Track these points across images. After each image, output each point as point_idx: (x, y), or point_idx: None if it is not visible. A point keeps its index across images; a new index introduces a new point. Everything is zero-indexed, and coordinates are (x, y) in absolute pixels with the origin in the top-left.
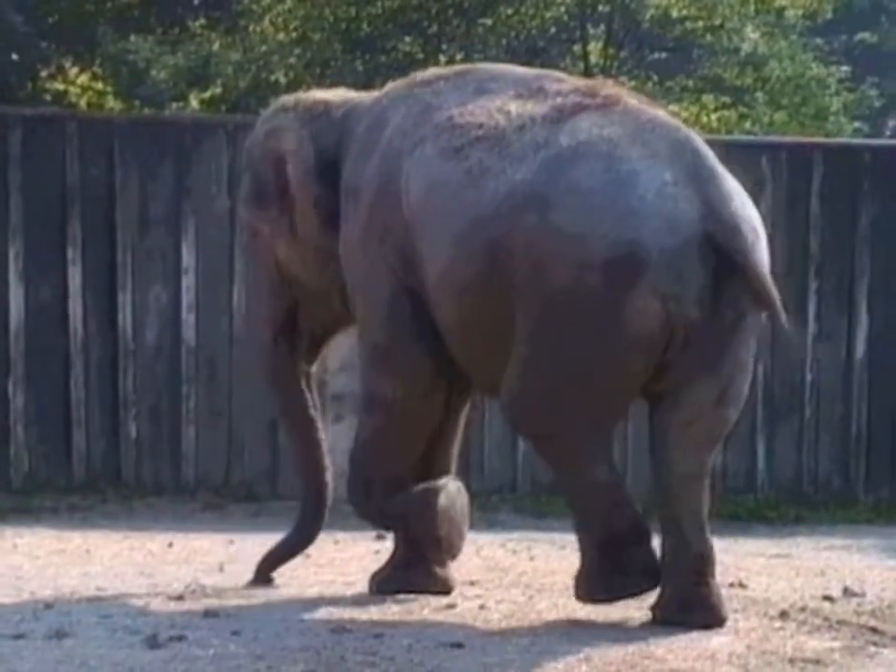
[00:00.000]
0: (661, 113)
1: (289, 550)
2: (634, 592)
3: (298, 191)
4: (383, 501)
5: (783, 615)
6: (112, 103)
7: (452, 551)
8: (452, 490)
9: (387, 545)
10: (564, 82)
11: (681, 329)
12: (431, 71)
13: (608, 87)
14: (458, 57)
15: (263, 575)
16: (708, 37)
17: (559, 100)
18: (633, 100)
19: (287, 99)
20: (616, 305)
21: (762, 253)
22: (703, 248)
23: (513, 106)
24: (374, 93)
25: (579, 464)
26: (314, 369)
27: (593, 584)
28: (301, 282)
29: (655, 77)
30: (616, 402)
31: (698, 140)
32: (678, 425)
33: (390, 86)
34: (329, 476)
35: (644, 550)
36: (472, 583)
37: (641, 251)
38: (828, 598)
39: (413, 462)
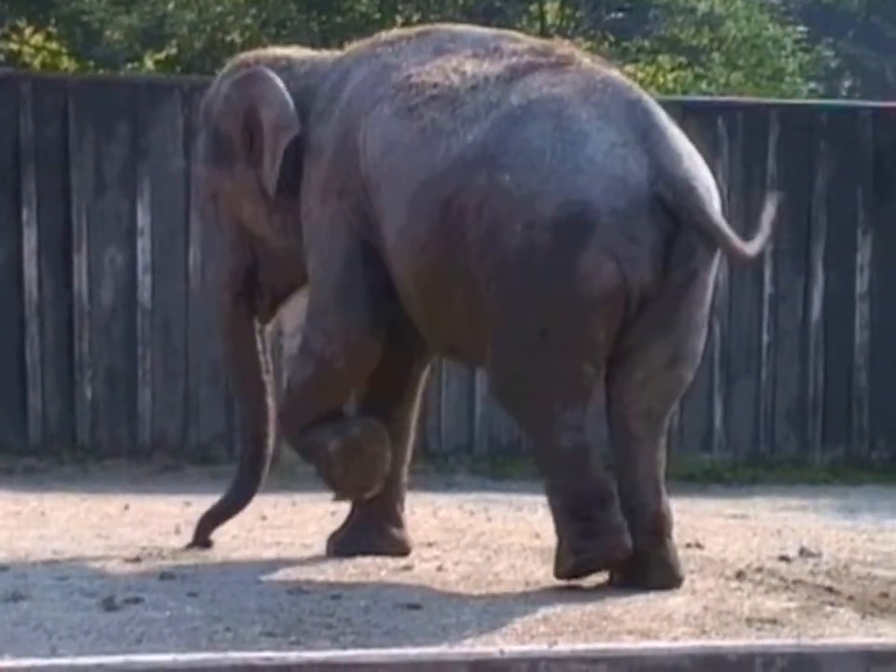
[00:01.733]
0: (614, 73)
1: (229, 508)
2: (602, 556)
3: (272, 135)
4: (308, 432)
5: (740, 575)
6: (66, 63)
7: (357, 492)
8: (359, 433)
9: (344, 507)
10: (520, 42)
11: (637, 291)
12: (395, 32)
13: (563, 47)
14: (415, 18)
15: (203, 535)
16: None
17: (513, 59)
18: (587, 60)
19: (248, 55)
20: (568, 266)
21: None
22: (653, 209)
23: (469, 66)
24: (337, 52)
25: (545, 431)
26: (269, 328)
27: (564, 557)
28: (265, 240)
29: (611, 38)
30: (580, 367)
31: (650, 100)
32: (632, 385)
33: (354, 45)
34: (270, 440)
35: (610, 513)
36: (430, 545)
37: (590, 211)
38: (784, 558)
39: (340, 405)
